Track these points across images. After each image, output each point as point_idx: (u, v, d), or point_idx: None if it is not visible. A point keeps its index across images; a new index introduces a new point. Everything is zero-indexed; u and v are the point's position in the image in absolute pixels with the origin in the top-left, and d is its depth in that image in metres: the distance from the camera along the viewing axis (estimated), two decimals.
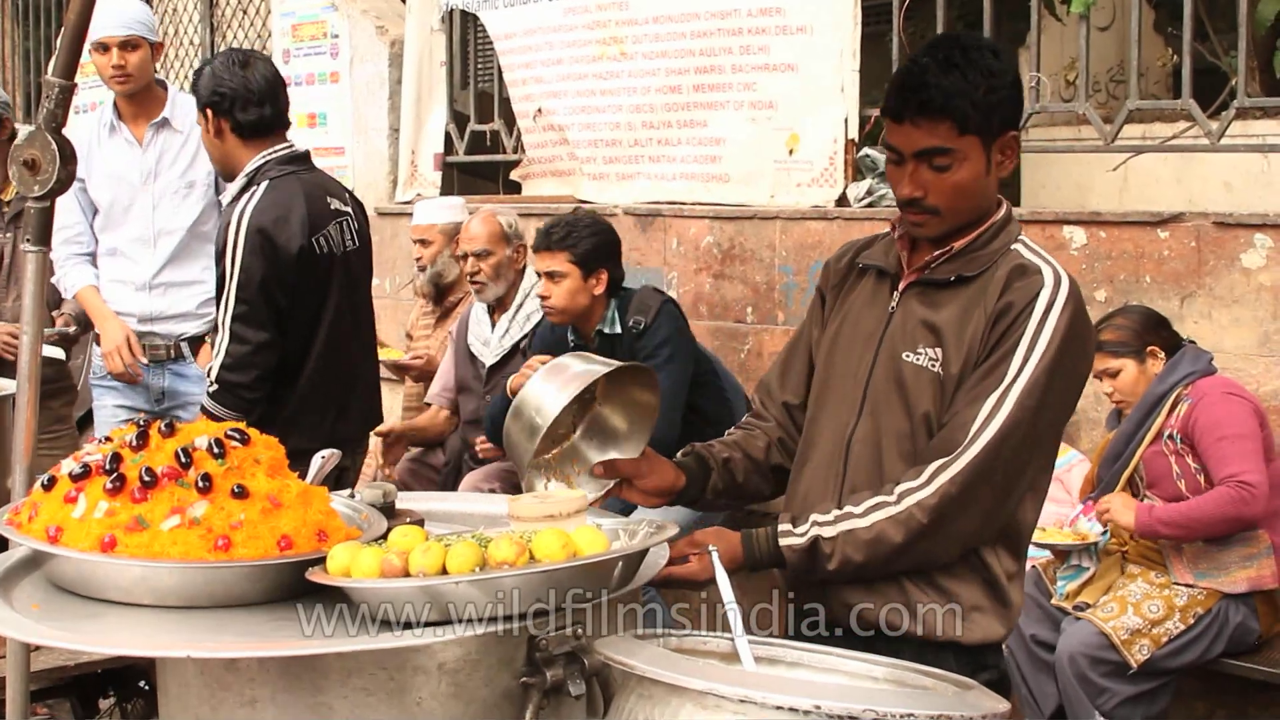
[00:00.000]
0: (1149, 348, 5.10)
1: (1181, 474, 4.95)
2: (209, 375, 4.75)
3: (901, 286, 3.08)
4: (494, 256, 6.31)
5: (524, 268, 6.43)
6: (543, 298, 5.76)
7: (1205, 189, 8.04)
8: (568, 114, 7.46)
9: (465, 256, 6.40)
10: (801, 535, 2.89)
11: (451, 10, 8.13)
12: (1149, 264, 5.62)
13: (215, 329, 4.78)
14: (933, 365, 2.98)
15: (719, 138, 6.84)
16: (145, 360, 5.86)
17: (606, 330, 5.78)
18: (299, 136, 8.39)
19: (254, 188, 4.77)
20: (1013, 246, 3.04)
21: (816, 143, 6.51)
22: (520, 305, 6.35)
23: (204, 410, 4.68)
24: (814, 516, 2.91)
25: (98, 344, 5.96)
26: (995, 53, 2.99)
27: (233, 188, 4.87)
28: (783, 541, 2.90)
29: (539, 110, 7.61)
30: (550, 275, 5.69)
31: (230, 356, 4.68)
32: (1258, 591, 5.04)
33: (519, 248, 6.41)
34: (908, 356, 3.01)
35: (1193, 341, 5.22)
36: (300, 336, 4.82)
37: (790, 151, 6.58)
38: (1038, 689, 5.21)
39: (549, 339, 5.99)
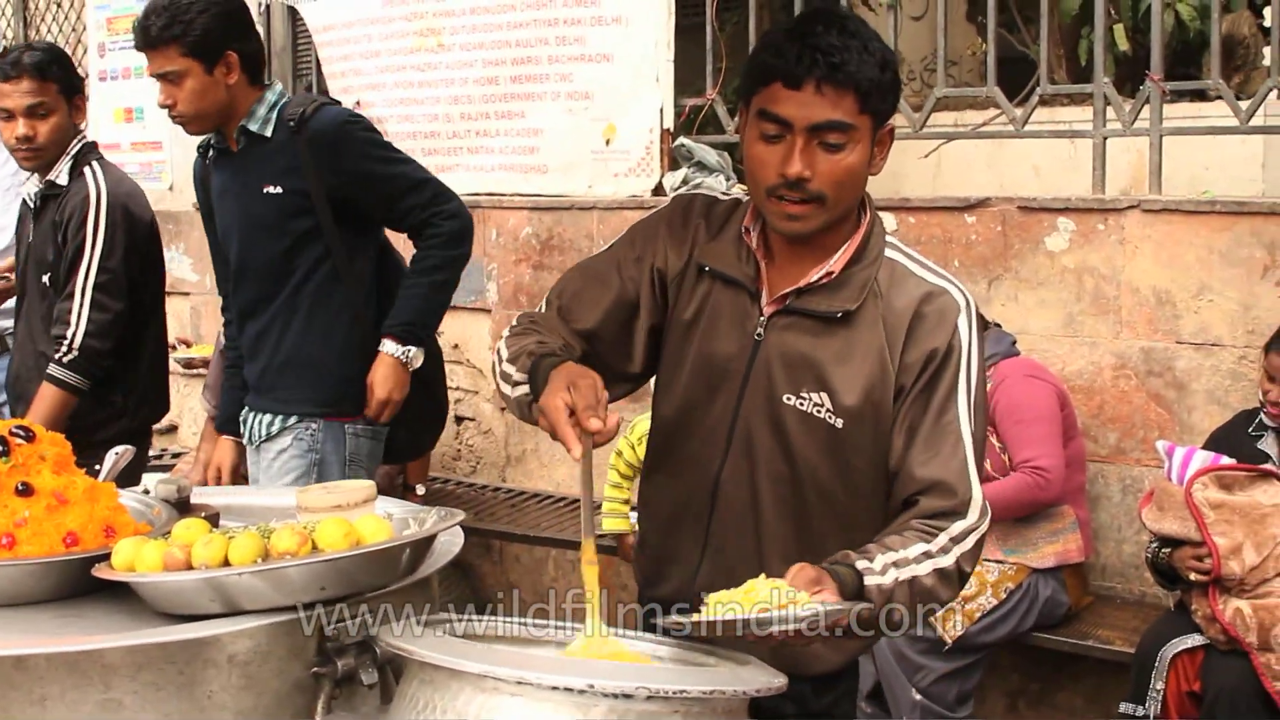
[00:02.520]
0: None
1: (986, 454, 5.05)
2: (66, 343, 4.77)
3: (769, 313, 2.78)
4: None
5: None
6: (166, 107, 4.47)
7: (1015, 174, 8.25)
8: (386, 106, 7.43)
9: None
10: (883, 574, 2.57)
11: (269, 3, 8.05)
12: (957, 248, 5.73)
13: (68, 297, 4.83)
14: (818, 411, 2.73)
15: (537, 129, 6.85)
16: None
17: (254, 129, 4.51)
18: (116, 131, 8.33)
19: (86, 167, 4.97)
20: (888, 254, 2.79)
21: (633, 133, 6.55)
22: None
23: (52, 380, 4.68)
24: (880, 557, 2.59)
25: None
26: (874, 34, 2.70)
27: (59, 169, 4.98)
28: (869, 581, 2.55)
29: (357, 102, 7.55)
30: (164, 78, 4.42)
31: (94, 324, 4.78)
32: (1065, 565, 5.16)
33: None
34: (789, 400, 2.75)
35: (997, 324, 5.33)
36: (140, 314, 4.97)
37: (607, 142, 6.61)
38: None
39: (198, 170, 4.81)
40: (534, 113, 6.86)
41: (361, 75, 7.56)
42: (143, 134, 8.41)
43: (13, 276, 5.31)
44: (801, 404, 2.74)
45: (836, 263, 2.75)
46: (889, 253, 2.79)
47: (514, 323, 2.92)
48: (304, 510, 2.64)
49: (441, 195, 4.54)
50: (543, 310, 2.94)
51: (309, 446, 4.48)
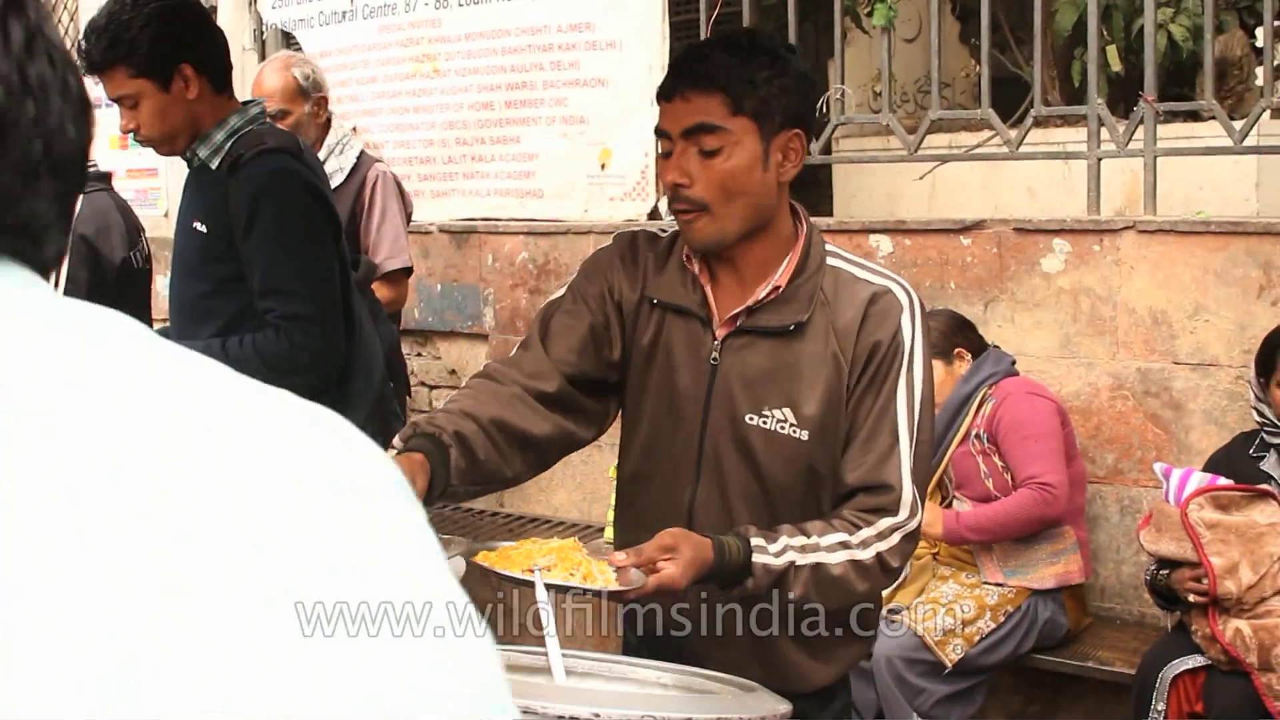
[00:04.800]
0: (955, 350, 5.20)
1: (989, 473, 5.06)
2: None
3: (722, 336, 2.80)
4: (291, 115, 5.32)
5: (328, 122, 5.58)
6: (131, 131, 4.00)
7: (1010, 195, 8.27)
8: (383, 132, 7.45)
9: None
10: (776, 556, 2.58)
11: (265, 29, 8.06)
12: (953, 270, 5.73)
13: None
14: (782, 427, 2.74)
15: (532, 153, 6.86)
16: None
17: (203, 155, 3.99)
18: (111, 158, 8.32)
19: None
20: (829, 262, 2.80)
21: (628, 157, 6.56)
22: (323, 163, 5.05)
23: None
24: (784, 539, 2.60)
25: None
26: (789, 48, 2.76)
27: None
28: (757, 558, 2.56)
29: (354, 129, 7.58)
30: (120, 102, 3.93)
31: None
32: (1065, 587, 5.16)
33: (319, 100, 5.57)
34: (751, 419, 2.76)
35: (996, 346, 5.34)
36: None
37: (603, 166, 6.62)
38: (858, 696, 5.28)
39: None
40: (529, 137, 6.88)
41: (358, 101, 7.58)
42: (138, 161, 8.40)
43: None
44: (764, 422, 2.75)
45: (781, 277, 2.78)
46: (830, 260, 2.82)
47: (467, 383, 2.91)
48: None
49: (309, 321, 3.91)
50: (515, 353, 2.92)
51: None
